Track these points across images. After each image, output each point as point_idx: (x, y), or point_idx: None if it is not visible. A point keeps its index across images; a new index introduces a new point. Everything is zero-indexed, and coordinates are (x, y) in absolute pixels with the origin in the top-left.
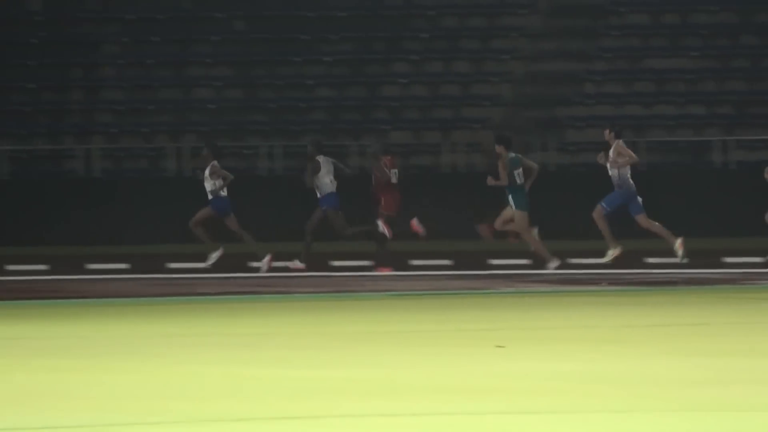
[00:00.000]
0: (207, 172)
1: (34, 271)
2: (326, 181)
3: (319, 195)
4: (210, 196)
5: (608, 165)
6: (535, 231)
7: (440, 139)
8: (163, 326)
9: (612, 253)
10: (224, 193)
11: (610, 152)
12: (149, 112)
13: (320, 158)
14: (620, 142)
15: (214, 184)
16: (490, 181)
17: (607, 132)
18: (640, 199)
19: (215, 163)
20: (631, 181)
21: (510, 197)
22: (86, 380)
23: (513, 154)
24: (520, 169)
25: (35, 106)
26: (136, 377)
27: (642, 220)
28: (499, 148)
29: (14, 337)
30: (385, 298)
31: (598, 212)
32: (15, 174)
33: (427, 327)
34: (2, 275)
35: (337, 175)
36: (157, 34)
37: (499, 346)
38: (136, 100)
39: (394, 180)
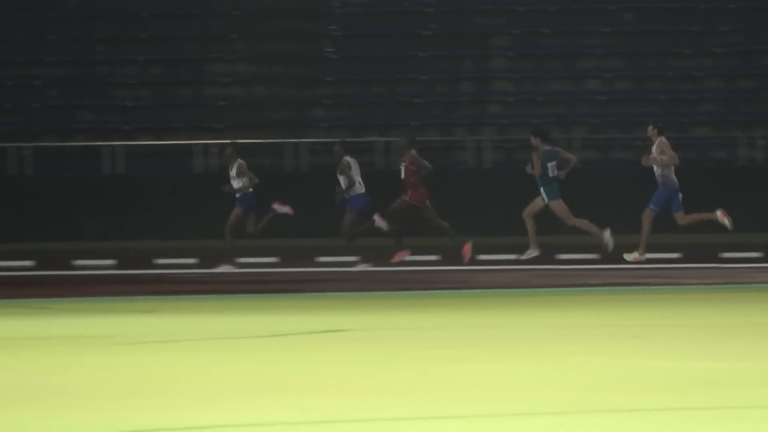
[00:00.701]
0: (234, 171)
1: (425, 261)
2: (355, 182)
3: (347, 196)
4: (237, 194)
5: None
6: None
7: None
8: (550, 317)
9: (636, 256)
10: (251, 189)
11: (653, 149)
12: (539, 103)
13: (348, 159)
14: (663, 139)
15: (241, 182)
16: (529, 169)
17: (650, 128)
18: (680, 196)
19: (241, 161)
20: (674, 178)
21: (542, 189)
22: (474, 370)
23: (548, 147)
24: (555, 162)
25: (427, 98)
26: (523, 368)
27: (680, 218)
28: (535, 140)
29: (403, 328)
30: None
31: (648, 215)
32: None
33: None
34: (396, 267)
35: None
36: (547, 26)
37: None
38: (526, 92)
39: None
